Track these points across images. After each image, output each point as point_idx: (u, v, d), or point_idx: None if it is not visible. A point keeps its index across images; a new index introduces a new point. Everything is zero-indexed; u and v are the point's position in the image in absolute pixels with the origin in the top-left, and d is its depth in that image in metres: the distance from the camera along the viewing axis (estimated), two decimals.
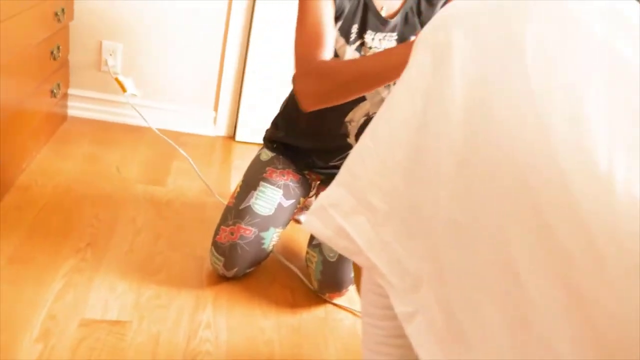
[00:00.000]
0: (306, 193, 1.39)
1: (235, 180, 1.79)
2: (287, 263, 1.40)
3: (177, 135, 1.96)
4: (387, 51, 0.98)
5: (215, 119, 2.11)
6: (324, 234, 0.64)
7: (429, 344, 0.55)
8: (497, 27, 0.49)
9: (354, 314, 1.27)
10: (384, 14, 1.14)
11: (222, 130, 2.13)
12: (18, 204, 1.40)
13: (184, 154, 1.69)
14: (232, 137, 2.13)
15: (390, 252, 0.59)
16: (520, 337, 0.45)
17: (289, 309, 1.24)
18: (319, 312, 1.26)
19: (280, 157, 1.36)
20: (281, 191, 1.28)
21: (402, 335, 0.68)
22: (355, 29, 1.13)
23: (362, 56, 1.13)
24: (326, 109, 1.06)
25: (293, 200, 1.31)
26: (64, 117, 1.96)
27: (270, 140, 1.40)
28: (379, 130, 0.58)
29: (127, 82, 1.82)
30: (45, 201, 1.44)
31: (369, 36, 1.14)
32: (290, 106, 1.35)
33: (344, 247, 0.63)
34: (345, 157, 1.28)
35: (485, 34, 0.49)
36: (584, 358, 0.40)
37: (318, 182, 1.44)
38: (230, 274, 1.24)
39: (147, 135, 1.90)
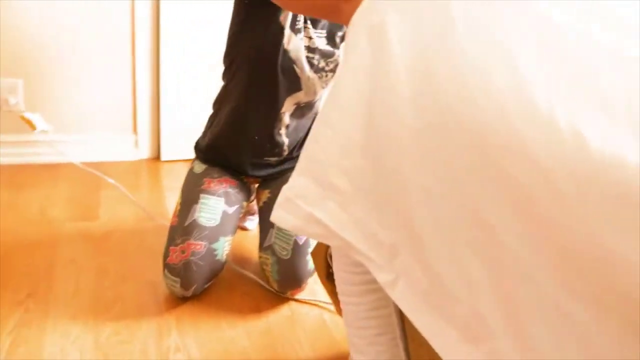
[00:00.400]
0: (247, 197, 1.38)
1: (169, 200, 1.74)
2: (243, 271, 1.39)
3: (98, 166, 1.87)
4: None
5: (136, 142, 2.03)
6: (295, 225, 0.65)
7: (416, 304, 0.58)
8: (425, 4, 0.52)
9: (318, 306, 1.29)
10: None
11: (145, 152, 2.06)
12: None
13: (112, 181, 1.62)
14: (157, 158, 2.07)
15: (363, 229, 0.61)
16: (502, 280, 0.49)
17: (255, 315, 1.24)
18: (284, 311, 1.27)
19: (215, 167, 1.35)
20: (223, 199, 1.27)
21: (381, 307, 0.71)
22: (301, 18, 1.16)
23: None
24: (260, 99, 1.07)
25: (237, 206, 1.31)
26: None
27: (202, 149, 1.38)
28: (331, 115, 0.59)
29: (35, 119, 1.72)
30: None
31: (311, 29, 1.17)
32: (221, 100, 1.33)
33: (317, 234, 0.64)
34: (278, 153, 1.32)
35: (415, 11, 0.52)
36: (560, 280, 0.44)
37: (257, 185, 1.44)
38: (189, 293, 1.21)
39: (66, 170, 1.80)
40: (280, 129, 1.28)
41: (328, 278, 1.01)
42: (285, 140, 1.31)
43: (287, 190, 0.67)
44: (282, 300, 1.30)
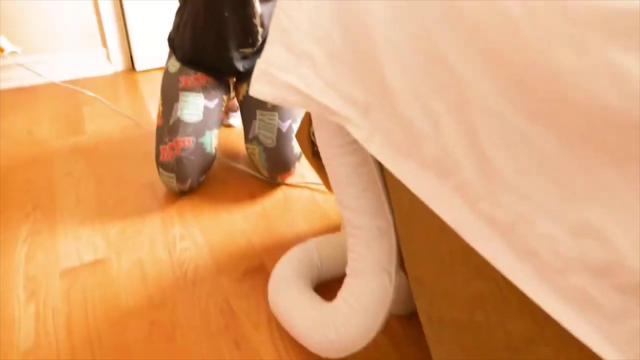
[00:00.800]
0: (226, 91, 1.41)
1: (151, 107, 1.77)
2: (234, 163, 1.45)
3: (74, 84, 1.87)
4: None
5: (107, 55, 2.01)
6: (274, 95, 0.70)
7: (391, 155, 0.64)
8: None
9: (309, 188, 1.37)
10: None
11: (118, 65, 2.04)
12: None
13: (94, 95, 1.63)
14: (131, 69, 2.05)
15: (338, 91, 0.66)
16: (466, 116, 0.55)
17: (250, 201, 1.32)
18: (277, 195, 1.35)
19: (190, 65, 1.36)
20: (202, 94, 1.30)
21: (363, 164, 0.78)
22: None
23: None
24: None
25: (217, 100, 1.34)
26: None
27: (177, 46, 1.37)
28: None
29: (1, 41, 1.68)
30: None
31: None
32: None
33: (295, 101, 0.69)
34: (252, 43, 1.32)
35: None
36: (519, 105, 0.50)
37: (234, 80, 1.46)
38: (185, 187, 1.28)
39: (45, 91, 1.80)
40: (253, 16, 1.28)
41: (314, 156, 1.08)
42: (259, 29, 1.31)
43: (262, 63, 0.70)
44: (274, 186, 1.38)
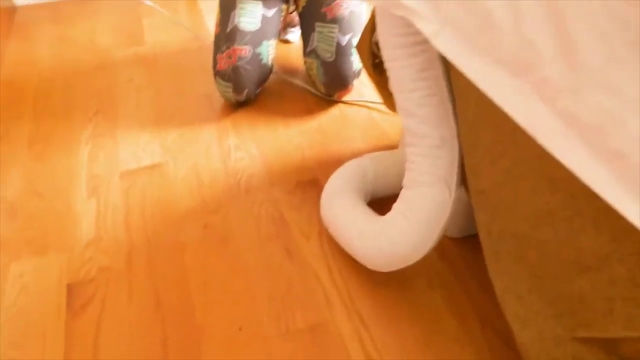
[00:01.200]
0: (286, 0, 1.35)
1: (208, 20, 1.73)
2: (291, 79, 1.42)
3: None
4: None
5: None
6: None
7: (462, 50, 0.59)
8: None
9: (367, 107, 1.32)
10: None
11: None
12: (10, 96, 1.38)
13: (152, 4, 1.61)
14: None
15: None
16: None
17: (307, 116, 1.29)
18: (334, 111, 1.31)
19: None
20: (260, 2, 1.25)
21: (429, 68, 0.72)
22: None
23: None
24: None
25: (275, 9, 1.28)
26: (12, 10, 1.84)
27: None
28: None
29: None
30: (35, 87, 1.42)
31: None
32: None
33: None
34: None
35: None
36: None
37: None
38: (242, 97, 1.26)
39: (103, 2, 1.80)
40: None
41: (375, 69, 1.02)
42: None
43: None
44: (331, 103, 1.33)
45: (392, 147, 1.19)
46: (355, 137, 1.22)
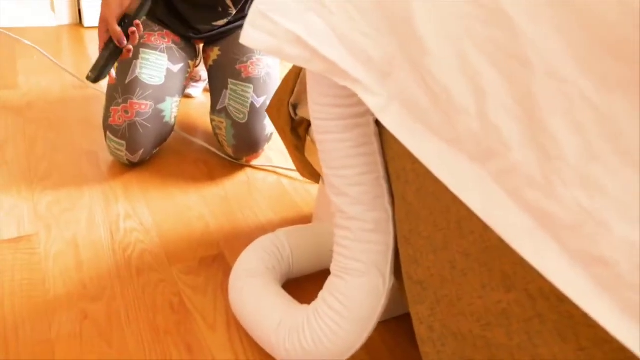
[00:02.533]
0: (192, 55, 1.24)
1: None
2: (192, 138, 1.29)
3: (9, 32, 1.62)
4: None
5: (52, 5, 1.77)
6: (270, 46, 0.55)
7: (412, 128, 0.52)
8: None
9: (276, 172, 1.23)
10: None
11: (64, 18, 1.80)
12: None
13: (31, 44, 1.41)
14: (78, 23, 1.82)
15: (351, 45, 0.53)
16: (521, 79, 0.43)
17: (209, 181, 1.16)
18: (240, 177, 1.20)
19: (154, 19, 1.18)
20: (166, 55, 1.13)
21: (366, 143, 0.65)
22: None
23: None
24: None
25: (181, 64, 1.17)
26: None
27: None
28: None
29: None
30: None
31: None
32: None
33: (296, 55, 0.56)
34: (224, 14, 1.17)
35: None
36: (587, 66, 0.39)
37: (202, 45, 1.30)
38: (136, 158, 1.10)
39: None
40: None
41: (292, 131, 0.93)
42: (230, 4, 1.17)
43: (261, 4, 0.56)
44: (236, 167, 1.22)
45: (305, 218, 1.10)
46: (264, 207, 1.11)
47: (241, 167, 1.23)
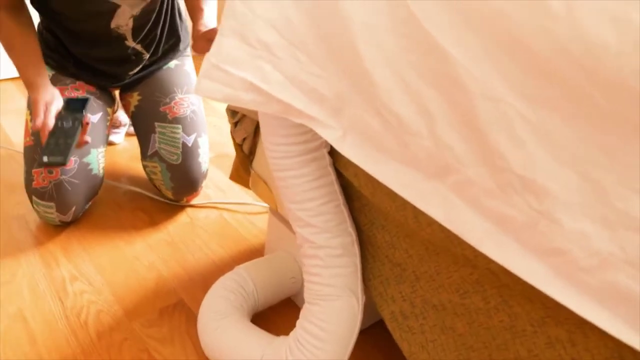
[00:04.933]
0: (110, 103, 1.21)
1: (6, 125, 1.47)
2: (125, 185, 1.25)
3: None
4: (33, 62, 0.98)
5: None
6: (227, 95, 0.57)
7: (370, 154, 0.56)
8: None
9: (216, 207, 1.23)
10: None
11: None
12: None
13: None
14: None
15: (302, 86, 0.57)
16: (463, 102, 0.48)
17: (152, 228, 1.14)
18: (182, 218, 1.18)
19: (65, 72, 1.14)
20: None
21: (323, 175, 0.69)
22: None
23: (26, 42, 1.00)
24: (84, 22, 1.03)
25: (100, 113, 1.14)
26: None
27: (48, 46, 1.15)
28: None
29: None
30: None
31: None
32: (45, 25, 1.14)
33: (251, 100, 0.58)
34: (138, 61, 1.16)
35: None
36: (519, 88, 0.45)
37: (118, 91, 1.27)
38: (68, 217, 1.06)
39: None
40: (125, 39, 1.12)
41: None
42: (142, 50, 1.16)
43: (212, 57, 0.58)
44: (176, 208, 1.21)
45: (255, 249, 1.11)
46: (212, 245, 1.11)
47: (181, 207, 1.21)
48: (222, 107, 1.72)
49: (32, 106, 0.94)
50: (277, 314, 0.94)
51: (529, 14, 0.43)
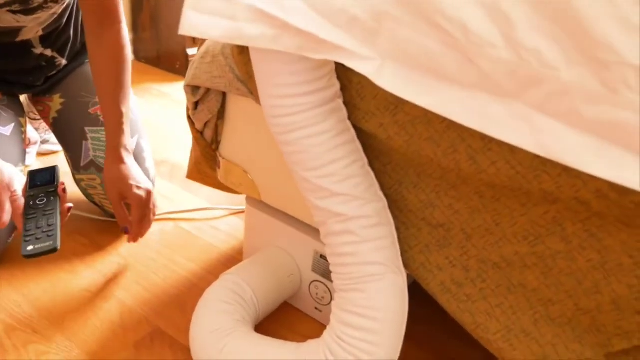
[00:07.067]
0: (21, 111, 0.99)
1: None
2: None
3: None
4: None
5: None
6: (224, 29, 0.44)
7: (418, 79, 0.45)
8: None
9: (170, 219, 1.05)
10: None
11: None
12: None
13: None
14: None
15: (324, 8, 0.45)
16: None
17: (99, 252, 0.94)
18: None
19: None
20: None
21: (344, 130, 0.57)
22: None
23: None
24: None
25: (12, 124, 0.93)
26: None
27: None
28: None
29: None
30: None
31: None
32: None
33: (260, 35, 0.45)
34: (54, 65, 0.96)
35: None
36: None
37: (30, 96, 1.06)
38: None
39: None
40: (33, 47, 0.93)
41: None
42: (55, 54, 0.97)
43: None
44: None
45: (227, 256, 0.96)
46: (177, 260, 0.93)
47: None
48: (147, 109, 1.52)
49: None
50: (275, 322, 0.79)
51: None
